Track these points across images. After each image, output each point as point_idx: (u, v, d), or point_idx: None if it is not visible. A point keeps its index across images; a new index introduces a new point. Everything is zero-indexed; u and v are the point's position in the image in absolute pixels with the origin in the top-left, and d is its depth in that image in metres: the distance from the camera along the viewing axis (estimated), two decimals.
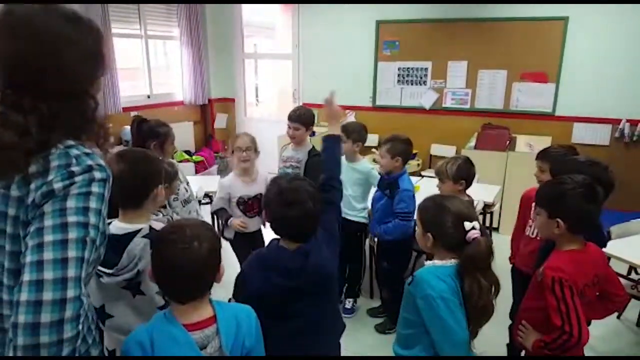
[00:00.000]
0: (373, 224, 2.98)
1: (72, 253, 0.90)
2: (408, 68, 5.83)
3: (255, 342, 1.29)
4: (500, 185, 4.28)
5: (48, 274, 0.87)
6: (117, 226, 1.50)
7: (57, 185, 0.92)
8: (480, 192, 2.90)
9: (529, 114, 5.34)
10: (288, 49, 6.53)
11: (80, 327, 0.91)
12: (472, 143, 5.00)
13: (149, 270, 1.29)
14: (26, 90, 0.95)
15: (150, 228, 1.50)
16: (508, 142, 4.88)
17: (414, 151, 4.56)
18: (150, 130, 2.52)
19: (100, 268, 1.44)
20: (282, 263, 1.52)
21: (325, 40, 6.18)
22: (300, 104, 6.46)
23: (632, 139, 4.96)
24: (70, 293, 0.88)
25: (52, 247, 0.89)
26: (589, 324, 2.24)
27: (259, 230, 3.05)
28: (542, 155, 2.45)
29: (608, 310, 1.81)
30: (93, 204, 0.95)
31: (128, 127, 5.47)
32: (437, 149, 5.82)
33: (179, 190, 2.56)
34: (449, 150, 5.71)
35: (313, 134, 5.48)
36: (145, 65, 6.00)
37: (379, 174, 2.97)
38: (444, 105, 5.75)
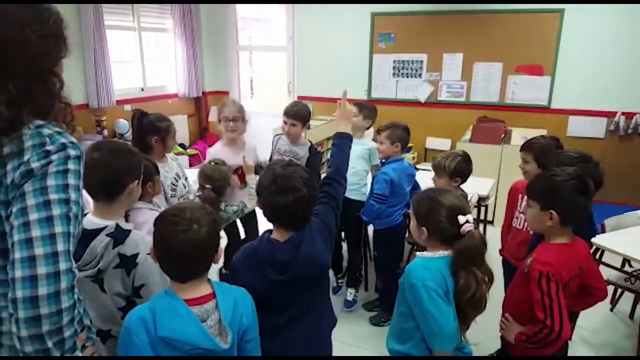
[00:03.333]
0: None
1: (58, 229, 0.95)
2: (403, 60, 5.81)
3: (252, 321, 1.33)
4: (495, 178, 4.29)
5: (39, 250, 0.91)
6: (88, 219, 1.46)
7: (35, 165, 0.95)
8: (474, 185, 2.91)
9: (525, 107, 5.34)
10: (283, 42, 6.48)
11: (75, 296, 0.97)
12: (467, 136, 4.99)
13: (151, 249, 1.30)
14: None
15: (117, 226, 1.46)
16: (503, 135, 4.88)
17: (409, 145, 4.56)
18: (150, 125, 2.46)
19: None
20: (273, 256, 1.50)
21: (321, 33, 6.15)
22: (295, 96, 6.44)
23: (627, 132, 4.98)
24: (63, 266, 0.94)
25: (39, 224, 0.93)
26: (577, 315, 2.27)
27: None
28: (526, 147, 2.47)
29: (589, 302, 1.83)
30: (71, 180, 0.99)
31: (122, 120, 5.45)
32: (432, 142, 5.81)
33: (176, 186, 2.51)
34: (444, 144, 5.71)
35: (308, 127, 5.47)
36: (139, 58, 5.95)
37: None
38: (439, 98, 5.74)
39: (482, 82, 5.51)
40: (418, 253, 1.63)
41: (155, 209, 1.85)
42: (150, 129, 2.45)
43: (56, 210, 0.95)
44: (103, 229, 1.44)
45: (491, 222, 4.49)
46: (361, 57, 5.98)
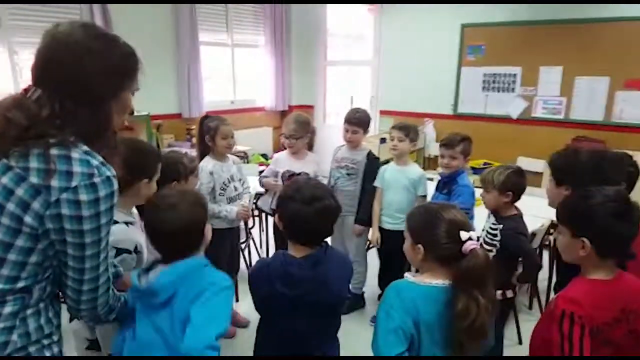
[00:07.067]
0: None
1: (98, 267, 1.12)
2: (494, 74, 5.45)
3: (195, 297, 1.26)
4: None
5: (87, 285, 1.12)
6: None
7: (83, 197, 1.03)
8: (553, 210, 2.57)
9: (635, 127, 4.70)
10: (369, 55, 6.45)
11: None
12: None
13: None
14: (47, 89, 1.07)
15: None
16: None
17: (498, 164, 4.23)
18: (205, 126, 2.68)
19: None
20: (286, 270, 1.45)
21: (407, 45, 6.00)
22: (378, 111, 6.35)
23: None
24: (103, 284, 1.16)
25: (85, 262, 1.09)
26: None
27: None
28: None
29: None
30: (110, 216, 1.11)
31: None
32: (523, 162, 5.33)
33: (227, 186, 2.67)
34: (536, 165, 5.21)
35: (383, 140, 5.34)
36: (231, 73, 6.29)
37: (439, 175, 2.88)
38: (533, 115, 5.28)
39: (584, 98, 4.96)
40: (407, 274, 1.41)
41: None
42: (205, 129, 2.65)
43: (95, 259, 1.10)
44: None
45: None
46: (449, 70, 5.72)
